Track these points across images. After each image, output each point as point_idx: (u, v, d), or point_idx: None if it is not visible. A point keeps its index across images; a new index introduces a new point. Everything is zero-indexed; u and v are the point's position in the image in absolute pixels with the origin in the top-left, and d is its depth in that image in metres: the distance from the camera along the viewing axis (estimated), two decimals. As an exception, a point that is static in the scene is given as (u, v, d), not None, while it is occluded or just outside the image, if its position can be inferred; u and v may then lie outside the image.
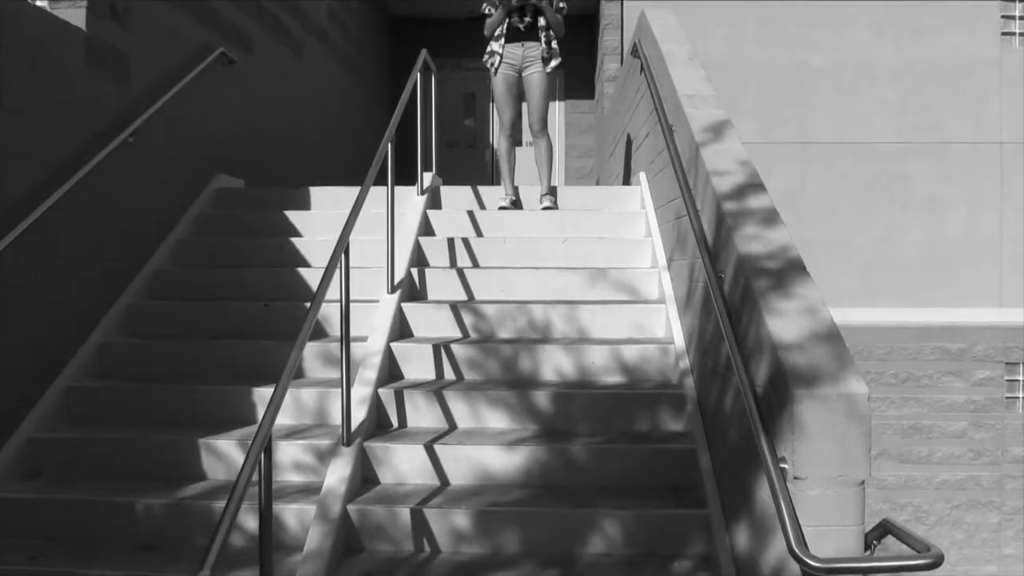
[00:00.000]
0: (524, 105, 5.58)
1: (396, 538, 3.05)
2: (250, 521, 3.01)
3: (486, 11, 5.32)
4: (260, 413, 3.67)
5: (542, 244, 4.74)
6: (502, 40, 5.32)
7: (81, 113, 4.02)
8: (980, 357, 7.42)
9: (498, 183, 8.31)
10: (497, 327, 4.14)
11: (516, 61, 5.29)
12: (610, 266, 4.66)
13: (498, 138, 5.47)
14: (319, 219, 5.14)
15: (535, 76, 5.31)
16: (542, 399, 3.58)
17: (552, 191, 5.37)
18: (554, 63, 5.31)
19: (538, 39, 5.27)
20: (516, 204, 5.37)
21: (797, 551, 1.97)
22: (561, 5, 5.32)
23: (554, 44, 5.33)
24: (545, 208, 5.20)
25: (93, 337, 4.09)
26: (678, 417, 3.54)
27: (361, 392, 3.54)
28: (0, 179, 3.44)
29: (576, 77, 10.58)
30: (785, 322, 2.43)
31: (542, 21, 5.27)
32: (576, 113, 10.68)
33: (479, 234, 4.99)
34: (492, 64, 5.37)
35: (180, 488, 3.26)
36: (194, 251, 4.89)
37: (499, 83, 5.38)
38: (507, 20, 5.28)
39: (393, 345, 3.92)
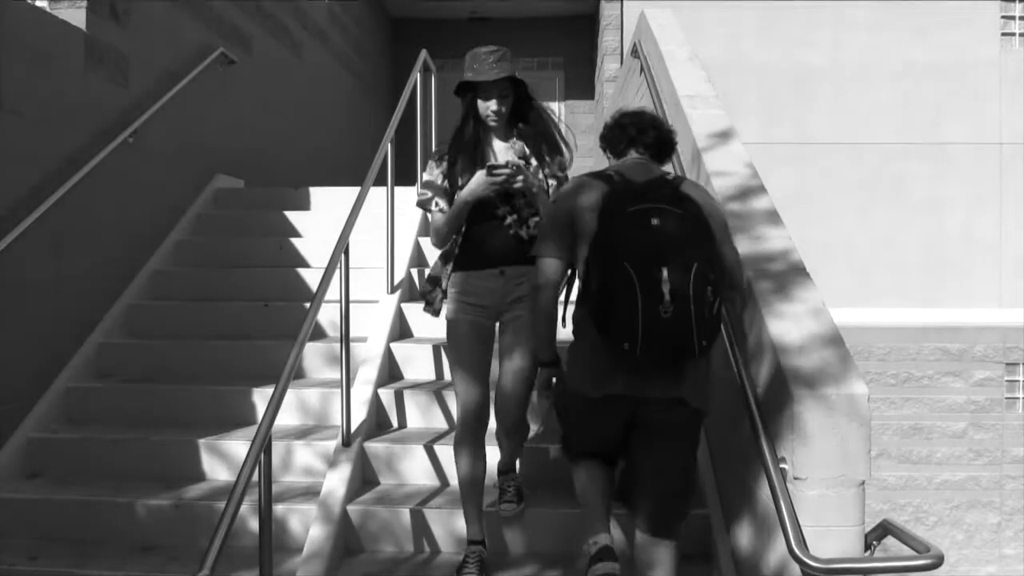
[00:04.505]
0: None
1: (397, 539, 3.04)
2: (250, 521, 3.00)
3: (433, 206, 2.79)
4: (260, 413, 3.66)
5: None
6: (450, 267, 2.84)
7: (81, 113, 4.02)
8: (980, 357, 7.42)
9: None
10: (497, 327, 4.14)
11: (490, 302, 2.77)
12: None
13: (456, 437, 2.80)
14: (319, 219, 5.14)
15: (525, 321, 2.69)
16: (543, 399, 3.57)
17: (517, 477, 3.08)
18: None
19: (529, 260, 2.52)
20: (484, 564, 2.79)
21: (797, 551, 1.96)
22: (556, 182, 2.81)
23: None
24: (506, 504, 2.99)
25: (93, 337, 4.09)
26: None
27: (361, 392, 3.54)
28: (0, 179, 3.44)
29: (576, 77, 10.57)
30: (786, 323, 2.43)
31: (532, 225, 2.72)
32: (576, 113, 10.68)
33: (479, 234, 4.98)
34: (432, 303, 2.90)
35: (180, 488, 3.26)
36: (194, 251, 4.89)
37: (462, 337, 2.79)
38: (473, 222, 2.76)
39: (393, 345, 3.92)
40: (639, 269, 2.10)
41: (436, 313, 2.90)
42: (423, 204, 2.82)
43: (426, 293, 2.92)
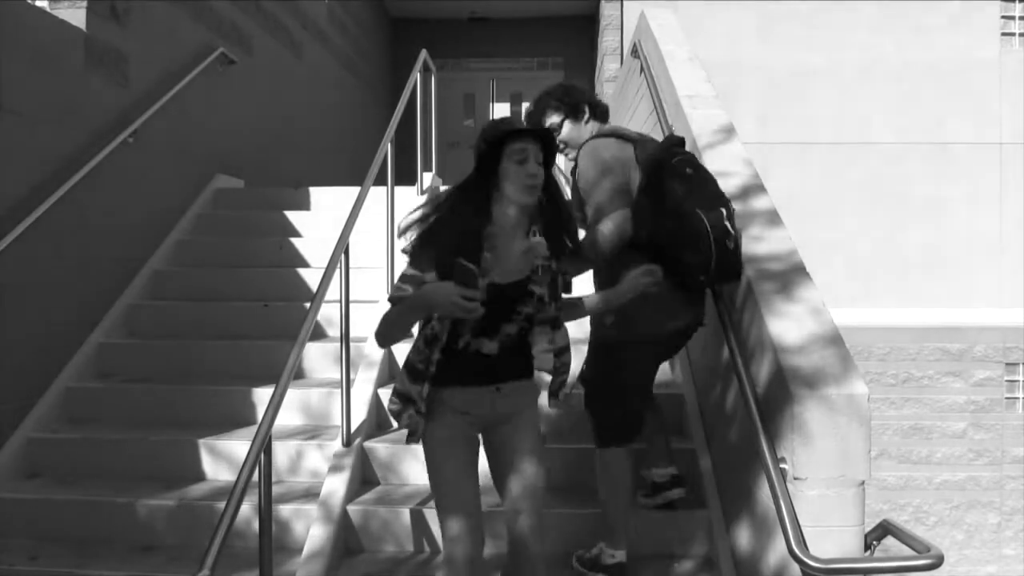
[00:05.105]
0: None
1: (397, 538, 3.04)
2: (251, 521, 3.00)
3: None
4: (260, 413, 3.66)
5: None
6: (426, 387, 2.10)
7: (81, 113, 4.02)
8: (980, 357, 7.42)
9: None
10: (497, 327, 4.13)
11: (479, 412, 2.16)
12: (610, 266, 4.65)
13: None
14: (319, 219, 5.14)
15: (530, 429, 2.25)
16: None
17: None
18: (568, 389, 2.31)
19: (530, 372, 2.22)
20: None
21: (797, 551, 1.96)
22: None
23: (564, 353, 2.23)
24: None
25: (93, 337, 4.09)
26: (678, 418, 3.53)
27: (361, 393, 3.54)
28: (0, 179, 3.44)
29: (576, 77, 10.56)
30: (786, 323, 2.43)
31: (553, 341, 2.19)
32: (576, 113, 10.67)
33: (479, 234, 4.97)
34: (407, 421, 2.14)
35: (180, 488, 3.26)
36: (194, 251, 4.89)
37: (444, 446, 2.14)
38: (467, 330, 2.08)
39: (393, 345, 3.91)
40: (707, 210, 2.47)
41: (417, 440, 2.16)
42: (395, 302, 2.04)
43: (397, 414, 2.15)
